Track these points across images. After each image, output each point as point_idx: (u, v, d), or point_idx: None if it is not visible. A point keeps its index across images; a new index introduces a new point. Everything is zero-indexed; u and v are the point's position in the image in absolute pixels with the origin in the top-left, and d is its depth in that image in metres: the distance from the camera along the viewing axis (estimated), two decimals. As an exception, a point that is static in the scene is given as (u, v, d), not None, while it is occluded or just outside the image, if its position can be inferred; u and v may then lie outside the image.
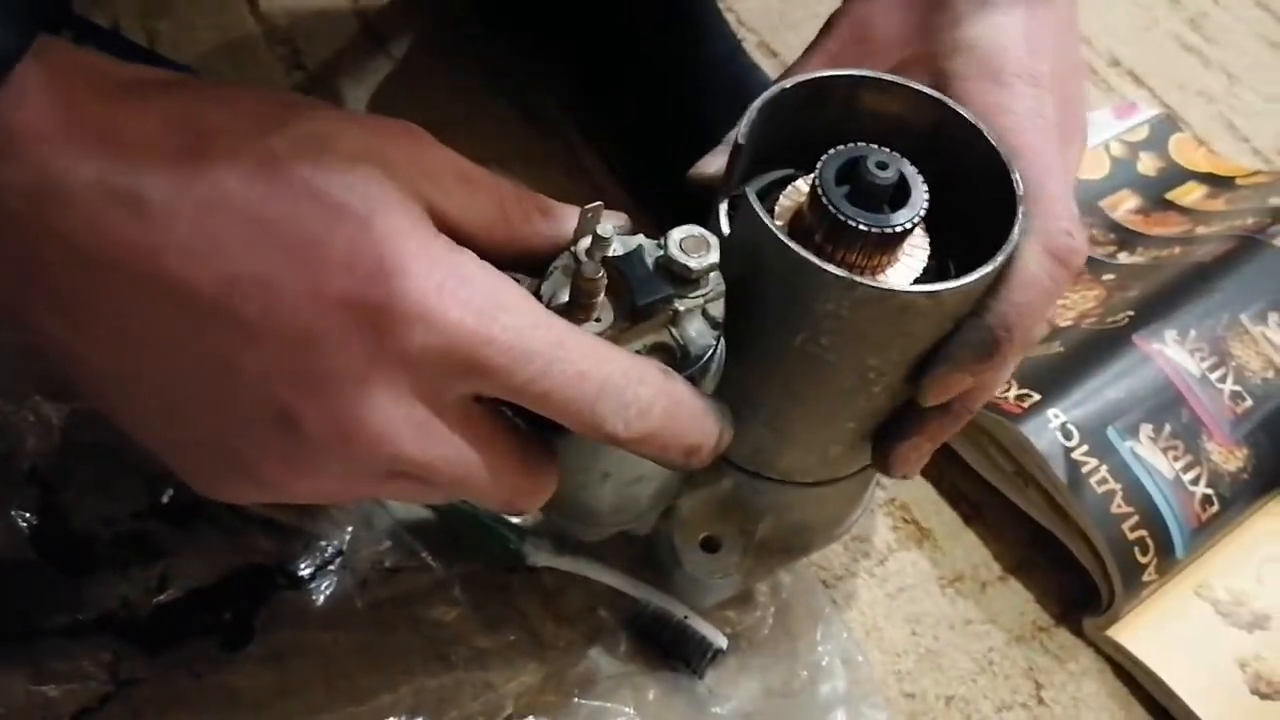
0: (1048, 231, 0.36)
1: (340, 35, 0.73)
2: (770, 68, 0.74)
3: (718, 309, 0.35)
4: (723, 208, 0.37)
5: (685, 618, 0.49)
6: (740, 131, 0.36)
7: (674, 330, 0.35)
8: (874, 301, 0.34)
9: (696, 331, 0.35)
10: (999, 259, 0.35)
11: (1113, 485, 0.54)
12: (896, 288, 0.34)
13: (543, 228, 0.35)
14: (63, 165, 0.28)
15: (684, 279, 0.34)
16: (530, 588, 0.51)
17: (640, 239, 0.35)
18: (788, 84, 0.37)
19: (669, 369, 0.34)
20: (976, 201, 0.37)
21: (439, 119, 0.69)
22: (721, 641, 0.49)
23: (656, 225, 0.66)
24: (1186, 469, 0.56)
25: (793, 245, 0.34)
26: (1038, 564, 0.57)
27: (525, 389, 0.31)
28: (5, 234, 0.28)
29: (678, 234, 0.34)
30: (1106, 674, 0.55)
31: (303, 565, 0.48)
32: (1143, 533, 0.54)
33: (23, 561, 0.45)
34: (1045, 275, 0.36)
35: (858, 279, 0.34)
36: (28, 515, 0.46)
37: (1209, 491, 0.56)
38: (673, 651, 0.49)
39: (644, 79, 0.67)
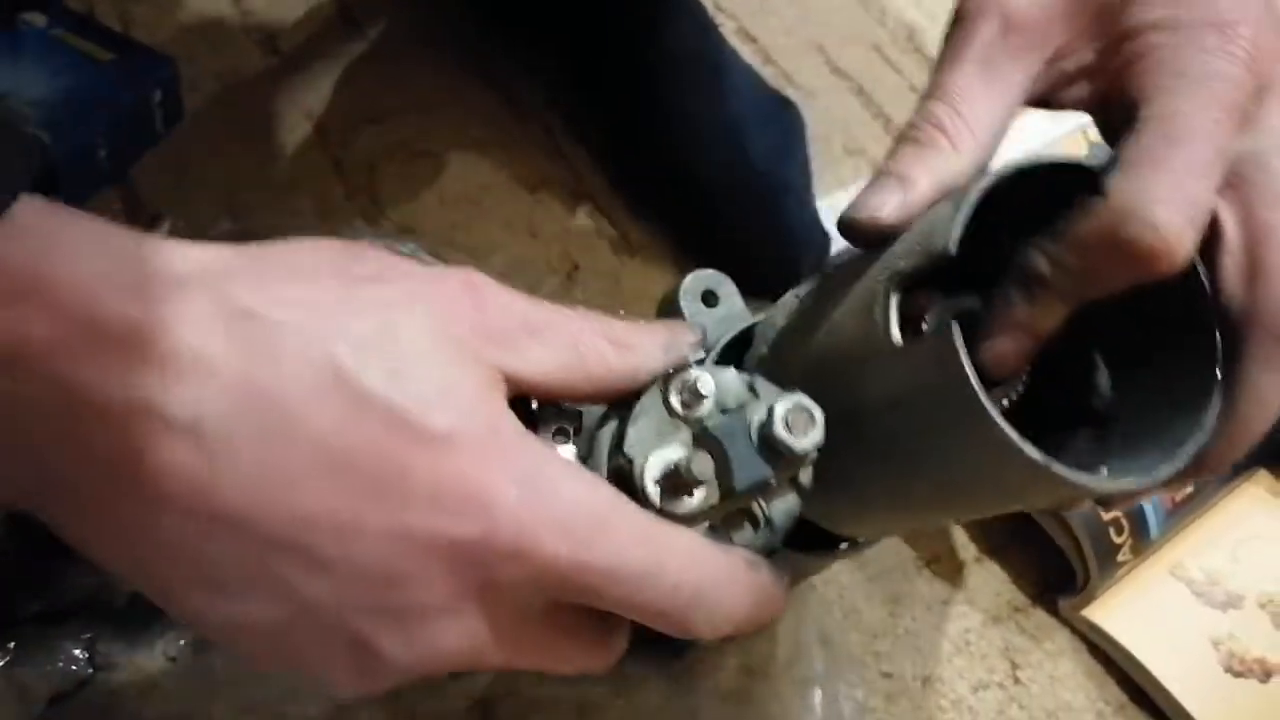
0: None
1: (316, 18, 0.73)
2: (748, 53, 0.74)
3: (808, 476, 0.33)
4: (894, 305, 0.31)
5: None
6: (953, 236, 0.29)
7: (762, 502, 0.33)
8: (1053, 480, 0.29)
9: (784, 504, 0.33)
10: (1180, 461, 0.30)
11: (1088, 466, 0.54)
12: (1089, 483, 0.29)
13: (617, 365, 0.32)
14: (95, 384, 0.25)
15: (786, 458, 0.31)
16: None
17: (730, 377, 0.33)
18: (1012, 169, 0.30)
19: (755, 560, 0.32)
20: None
21: (416, 102, 0.70)
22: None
23: (636, 207, 0.67)
24: (1161, 450, 0.56)
25: (1000, 422, 0.28)
26: (1014, 546, 0.58)
27: (618, 605, 0.30)
28: (28, 450, 0.26)
29: (785, 405, 0.31)
30: (1082, 653, 0.55)
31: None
32: (1117, 513, 0.54)
33: (-2, 547, 0.45)
34: None
35: (1055, 468, 0.28)
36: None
37: (1183, 472, 0.57)
38: (651, 630, 0.50)
39: (618, 65, 0.67)
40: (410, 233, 0.62)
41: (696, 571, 0.30)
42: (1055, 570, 0.56)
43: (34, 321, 0.24)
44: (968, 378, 0.28)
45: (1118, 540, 0.54)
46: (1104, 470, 0.32)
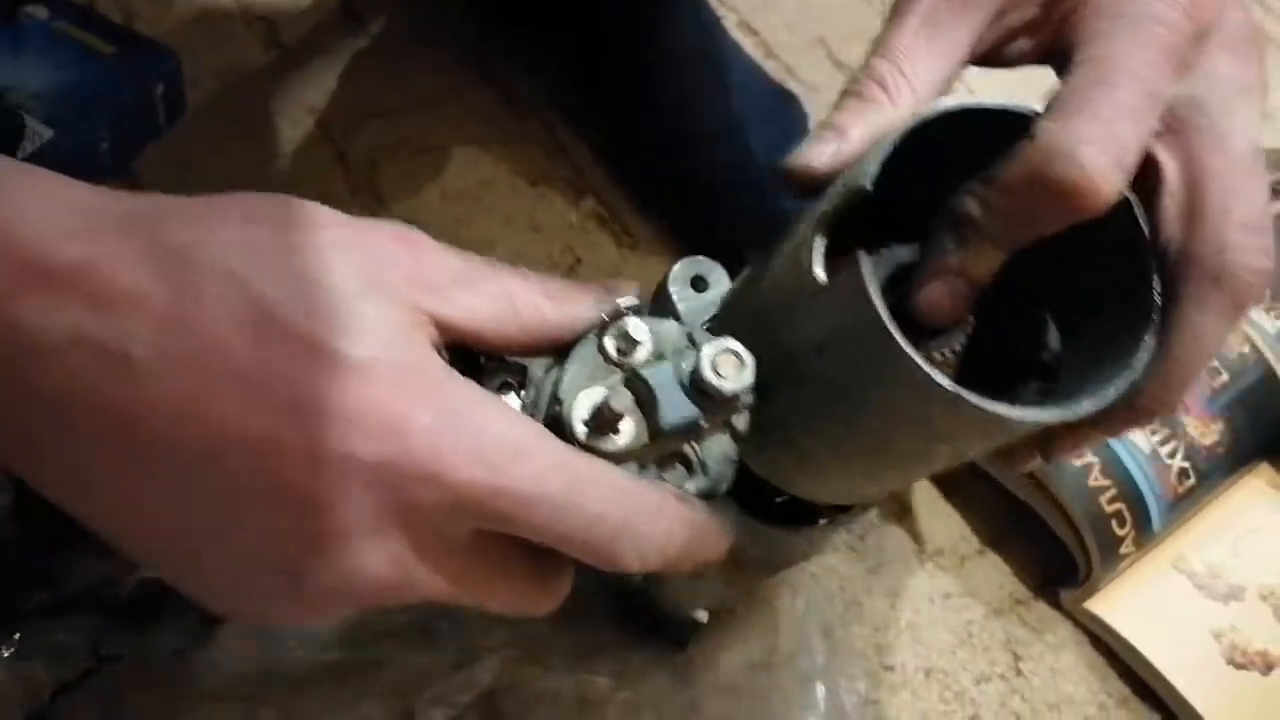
0: (1236, 282, 0.31)
1: (318, 13, 0.73)
2: (750, 47, 0.74)
3: (742, 421, 0.33)
4: (818, 246, 0.31)
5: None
6: (869, 173, 0.30)
7: (695, 446, 0.33)
8: (976, 416, 0.29)
9: (717, 445, 0.33)
10: (1111, 392, 0.30)
11: (1090, 459, 0.55)
12: (1010, 413, 0.29)
13: (551, 315, 0.33)
14: (39, 315, 0.26)
15: (715, 400, 0.32)
16: (512, 563, 0.51)
17: (670, 327, 0.33)
18: (934, 112, 0.31)
19: (685, 495, 0.32)
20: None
21: (417, 99, 0.70)
22: (703, 615, 0.49)
23: (637, 202, 0.67)
24: (1163, 442, 0.57)
25: (906, 347, 0.29)
26: (1016, 538, 0.58)
27: (539, 533, 0.30)
28: None
29: (711, 350, 0.32)
30: (1084, 646, 0.55)
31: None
32: (1120, 506, 0.54)
33: (3, 540, 0.45)
34: (1221, 336, 0.32)
35: (966, 396, 0.29)
36: (7, 492, 0.46)
37: (1185, 465, 0.57)
38: (655, 624, 0.50)
39: (618, 64, 0.67)
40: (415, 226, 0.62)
41: (620, 502, 0.30)
42: (1057, 563, 0.56)
43: None
44: (873, 304, 0.29)
45: (1120, 533, 0.54)
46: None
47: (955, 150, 0.31)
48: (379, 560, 0.29)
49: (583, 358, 0.33)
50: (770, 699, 0.47)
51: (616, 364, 0.33)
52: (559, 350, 0.33)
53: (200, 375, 0.27)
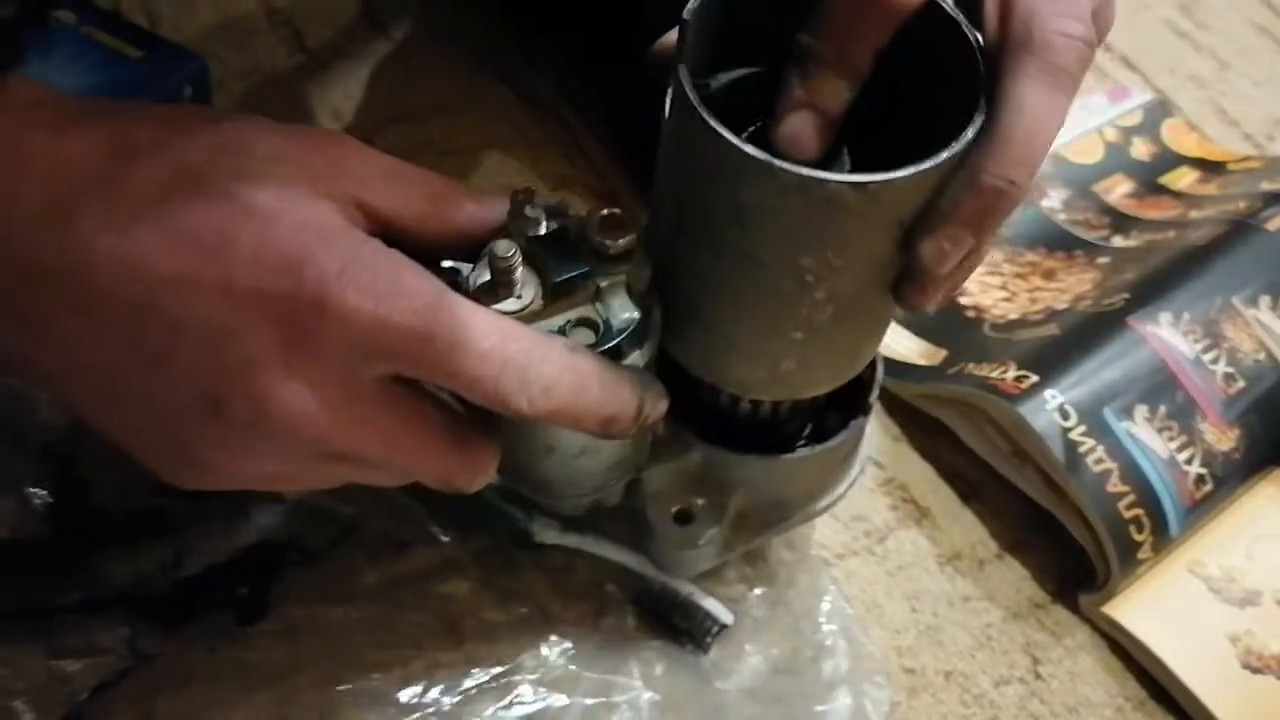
0: (1047, 45, 0.34)
1: (340, 17, 0.73)
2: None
3: (642, 282, 0.36)
4: (670, 90, 0.36)
5: (691, 594, 0.50)
6: (689, 7, 0.35)
7: (598, 305, 0.36)
8: (796, 190, 0.32)
9: (619, 305, 0.36)
10: (943, 155, 0.33)
11: (1109, 464, 0.55)
12: (818, 175, 0.32)
13: (474, 213, 0.36)
14: (14, 195, 0.30)
15: (603, 256, 0.35)
16: (539, 564, 0.51)
17: (572, 215, 0.36)
18: None
19: (576, 345, 0.35)
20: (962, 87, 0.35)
21: (439, 103, 0.70)
22: (727, 618, 0.50)
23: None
24: (1181, 449, 0.57)
25: (711, 121, 0.33)
26: (1035, 542, 0.58)
27: (429, 370, 0.32)
28: None
29: (600, 213, 0.36)
30: (1102, 649, 0.56)
31: (315, 541, 0.48)
32: (1138, 511, 0.55)
33: (39, 539, 0.46)
34: (1046, 103, 0.34)
35: (776, 162, 0.32)
36: (43, 493, 0.46)
37: (1203, 471, 0.57)
38: (679, 627, 0.50)
39: (637, 64, 0.67)
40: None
41: (505, 343, 0.33)
42: (1076, 567, 0.57)
43: None
44: (685, 91, 0.33)
45: (1138, 538, 0.55)
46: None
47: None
48: (290, 391, 0.31)
49: (491, 245, 0.36)
50: (794, 703, 0.48)
51: (516, 239, 0.36)
52: (474, 248, 0.36)
53: (132, 227, 0.31)
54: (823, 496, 0.49)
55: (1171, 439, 0.57)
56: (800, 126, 0.35)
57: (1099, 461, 0.55)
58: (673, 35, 0.37)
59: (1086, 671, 0.55)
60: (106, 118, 0.32)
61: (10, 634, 0.43)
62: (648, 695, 0.48)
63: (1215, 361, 0.60)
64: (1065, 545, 0.57)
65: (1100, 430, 0.56)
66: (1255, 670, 0.55)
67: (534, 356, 0.33)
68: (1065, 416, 0.56)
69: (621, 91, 0.68)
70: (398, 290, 0.32)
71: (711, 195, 0.35)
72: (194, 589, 0.46)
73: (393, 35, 0.73)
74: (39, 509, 0.46)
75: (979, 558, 0.58)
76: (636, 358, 0.37)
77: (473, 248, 0.36)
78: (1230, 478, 0.58)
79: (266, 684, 0.45)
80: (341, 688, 0.46)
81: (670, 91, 0.35)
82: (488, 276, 0.35)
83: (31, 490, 0.46)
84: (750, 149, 0.32)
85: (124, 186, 0.31)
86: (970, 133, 0.33)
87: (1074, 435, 0.55)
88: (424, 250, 0.35)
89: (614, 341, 0.36)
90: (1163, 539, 0.56)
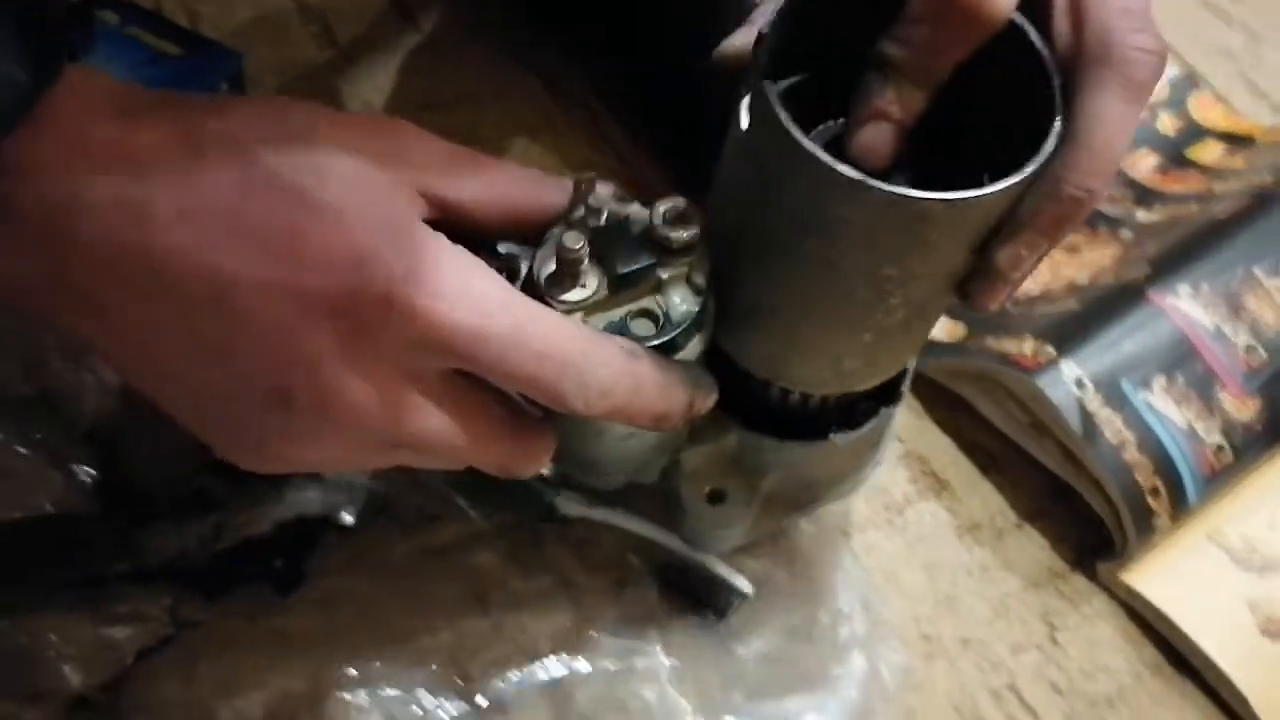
0: (1124, 59, 0.34)
1: (370, 10, 0.75)
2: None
3: (702, 276, 0.37)
4: (745, 102, 0.35)
5: (711, 566, 0.51)
6: (767, 20, 0.35)
7: (658, 297, 0.37)
8: (886, 207, 0.33)
9: (680, 298, 0.37)
10: (1028, 170, 0.33)
11: (1126, 435, 0.56)
12: (910, 193, 0.32)
13: (534, 197, 0.37)
14: (84, 184, 0.31)
15: (667, 249, 0.36)
16: (563, 537, 0.53)
17: (634, 207, 0.37)
18: None
19: (634, 348, 0.35)
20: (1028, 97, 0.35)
21: (468, 92, 0.72)
22: (747, 588, 0.51)
23: (682, 191, 0.69)
24: (1199, 419, 0.58)
25: (805, 142, 0.33)
26: (1053, 513, 0.59)
27: (490, 369, 0.34)
28: (35, 248, 0.32)
29: (663, 205, 0.36)
30: (1120, 617, 0.56)
31: (349, 515, 0.50)
32: (1155, 480, 0.55)
33: (87, 514, 0.48)
34: (1124, 116, 0.34)
35: (870, 182, 0.32)
36: (90, 471, 0.49)
37: (1222, 441, 0.58)
38: (699, 597, 0.52)
39: (669, 51, 0.68)
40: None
41: (564, 344, 0.34)
42: (1094, 537, 0.57)
43: (42, 141, 0.31)
44: (775, 113, 0.33)
45: (1155, 506, 0.55)
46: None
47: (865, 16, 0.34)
48: (355, 385, 0.33)
49: (553, 232, 0.36)
50: (809, 667, 0.49)
51: (578, 228, 0.36)
52: (535, 232, 0.37)
53: (201, 221, 0.31)
54: (851, 479, 0.50)
55: (1190, 409, 0.57)
56: (877, 136, 0.35)
57: (1116, 432, 0.56)
58: (735, 42, 0.38)
59: (1104, 639, 0.56)
60: (173, 109, 0.33)
61: (61, 603, 0.45)
62: (668, 662, 0.49)
63: (1236, 333, 0.60)
64: (1084, 516, 0.58)
65: (1118, 401, 0.56)
66: (1275, 636, 0.56)
67: (593, 360, 0.34)
68: (1082, 388, 0.56)
69: (648, 80, 0.69)
70: (462, 291, 0.33)
71: (794, 206, 0.35)
72: (233, 561, 0.48)
73: (421, 26, 0.75)
74: (86, 485, 0.48)
75: (998, 528, 0.58)
76: (691, 349, 0.38)
77: (531, 231, 0.37)
78: (1250, 448, 0.59)
79: (303, 651, 0.47)
80: (374, 655, 0.48)
81: (747, 102, 0.35)
82: (553, 266, 0.36)
83: (78, 468, 0.49)
84: (847, 169, 0.32)
85: (193, 180, 0.32)
86: (1051, 144, 0.34)
87: (1091, 406, 0.56)
88: (481, 233, 0.36)
89: (672, 335, 0.36)
90: (1180, 508, 0.56)
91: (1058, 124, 0.34)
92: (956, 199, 0.33)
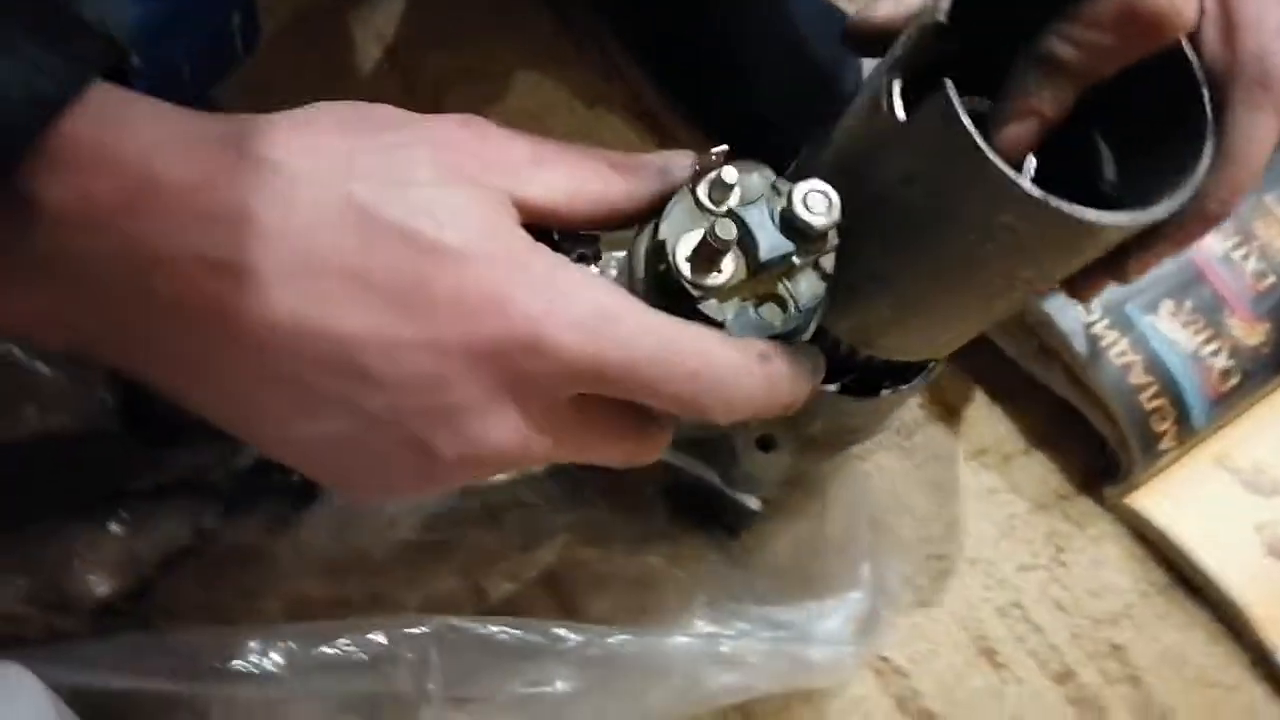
0: (1275, 75, 0.34)
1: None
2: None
3: (829, 262, 0.36)
4: (897, 87, 0.33)
5: (721, 485, 0.52)
6: (943, 7, 0.32)
7: (787, 282, 0.36)
8: (1058, 223, 0.32)
9: (808, 284, 0.35)
10: (1186, 191, 0.33)
11: (1131, 357, 0.56)
12: (1090, 216, 0.31)
13: (619, 184, 0.35)
14: (156, 236, 0.28)
15: (806, 236, 0.34)
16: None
17: (756, 178, 0.35)
18: None
19: (768, 349, 0.34)
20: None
21: (480, 27, 0.72)
22: (755, 504, 0.52)
23: (691, 126, 0.69)
24: (1207, 342, 0.58)
25: (994, 157, 0.31)
26: (1061, 438, 0.60)
27: (635, 393, 0.33)
28: (103, 303, 0.29)
29: (803, 188, 0.34)
30: (1125, 539, 0.57)
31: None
32: (1161, 401, 0.56)
33: (111, 432, 0.49)
34: (1271, 138, 0.35)
35: (1054, 202, 0.31)
36: (112, 394, 0.50)
37: (1230, 364, 0.58)
38: (709, 515, 0.53)
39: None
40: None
41: (708, 361, 0.32)
42: (1100, 462, 0.58)
43: (101, 185, 0.28)
44: (965, 126, 0.31)
45: (1160, 428, 0.56)
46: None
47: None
48: (500, 428, 0.31)
49: (678, 206, 0.35)
50: (817, 578, 0.50)
51: (710, 210, 0.35)
52: (626, 222, 0.36)
53: (313, 281, 0.29)
54: (888, 423, 0.51)
55: (1197, 333, 0.58)
56: (1025, 132, 0.35)
57: (1121, 354, 0.56)
58: (879, 6, 0.36)
59: (1109, 559, 0.56)
60: (243, 141, 0.30)
61: (88, 516, 0.47)
62: (678, 573, 0.50)
63: (1245, 258, 0.60)
64: (1091, 442, 0.58)
65: (1124, 324, 0.57)
66: (1280, 557, 0.56)
67: (733, 374, 0.33)
68: (1089, 312, 0.57)
69: (660, 13, 0.69)
70: (604, 318, 0.31)
71: (953, 206, 0.34)
72: (252, 477, 0.49)
73: (434, -38, 0.75)
74: (108, 406, 0.49)
75: (1005, 452, 0.59)
76: (810, 329, 0.37)
77: (623, 222, 0.36)
78: (1259, 372, 0.59)
79: (319, 565, 0.49)
80: (387, 570, 0.49)
81: (899, 88, 0.34)
82: (687, 240, 0.34)
83: (102, 395, 0.49)
84: (1034, 189, 0.31)
85: (294, 234, 0.29)
86: (1205, 162, 0.34)
87: (1097, 329, 0.56)
88: (567, 228, 0.35)
89: (800, 321, 0.36)
90: (1186, 430, 0.57)
91: (1210, 144, 0.34)
92: (1131, 221, 0.32)
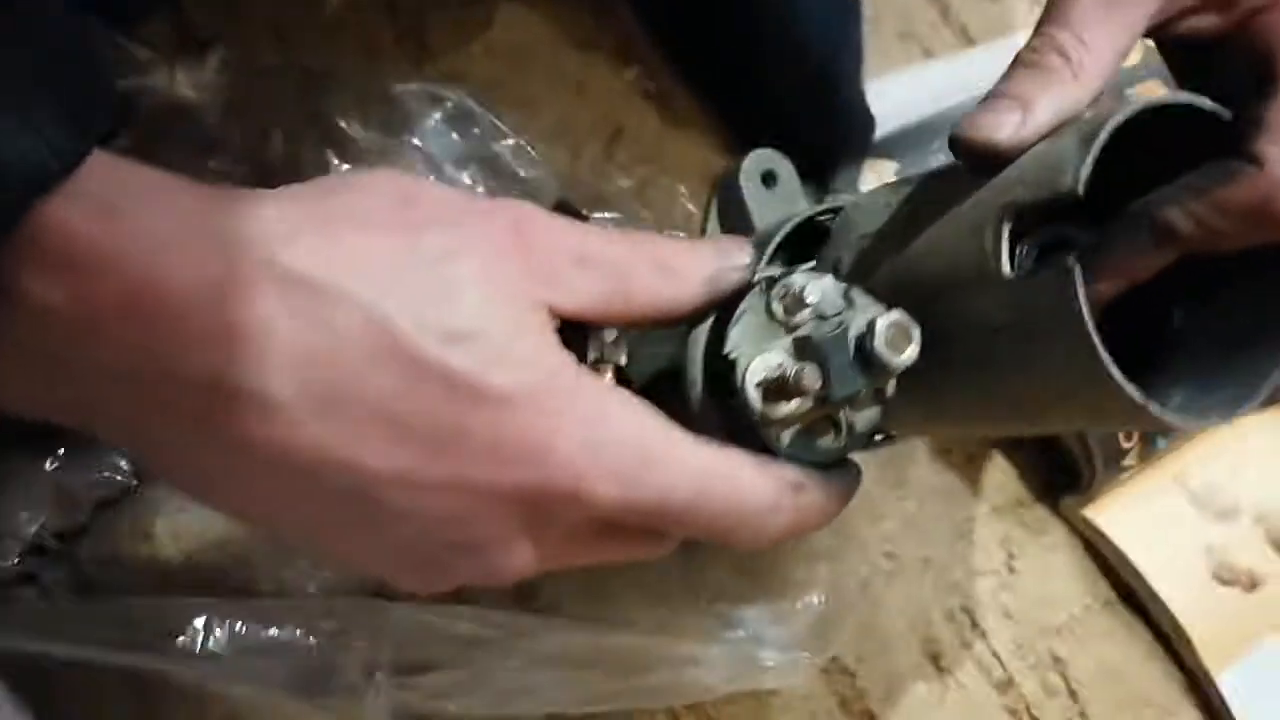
0: None
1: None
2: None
3: (892, 388, 0.34)
4: (1005, 234, 0.31)
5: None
6: (1082, 176, 0.30)
7: (849, 410, 0.34)
8: (1139, 414, 0.31)
9: (867, 414, 0.34)
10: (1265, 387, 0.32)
11: (1106, 372, 0.56)
12: (1168, 419, 0.31)
13: (665, 291, 0.33)
14: (163, 353, 0.26)
15: (881, 372, 0.32)
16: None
17: (829, 286, 0.34)
18: (1143, 105, 0.30)
19: (800, 478, 0.33)
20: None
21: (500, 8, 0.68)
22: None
23: (682, 76, 0.66)
24: (1179, 363, 0.58)
25: (1106, 359, 0.29)
26: (1026, 445, 0.59)
27: (667, 529, 0.33)
28: (109, 410, 0.28)
29: (884, 322, 0.31)
30: (1077, 550, 0.57)
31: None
32: (1129, 420, 0.56)
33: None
34: None
35: (1154, 408, 0.30)
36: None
37: (1197, 385, 0.58)
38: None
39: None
40: (459, 80, 0.62)
41: (740, 499, 0.32)
42: (1062, 470, 0.58)
43: (105, 289, 0.25)
44: (1085, 321, 0.29)
45: (1125, 445, 0.56)
46: (1176, 398, 0.34)
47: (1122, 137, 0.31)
48: (522, 557, 0.31)
49: (749, 314, 0.33)
50: (775, 578, 0.49)
51: (782, 323, 0.33)
52: (671, 325, 0.34)
53: (339, 416, 0.27)
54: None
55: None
56: (1113, 290, 0.33)
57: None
58: (999, 124, 0.32)
59: (1059, 569, 0.56)
60: (263, 247, 0.27)
61: (20, 454, 0.44)
62: (637, 570, 0.48)
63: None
64: (1053, 449, 0.58)
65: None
66: (1225, 582, 0.57)
67: (764, 511, 0.33)
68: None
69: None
70: (645, 463, 0.30)
71: (1039, 370, 0.32)
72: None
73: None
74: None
75: (969, 453, 0.58)
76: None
77: (666, 321, 0.34)
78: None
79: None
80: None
81: (1000, 244, 0.31)
82: (761, 378, 0.33)
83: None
84: (1136, 393, 0.30)
85: (321, 359, 0.27)
86: None
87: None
88: (610, 326, 0.35)
89: (851, 446, 0.34)
90: (1150, 448, 0.57)
91: None
92: (1202, 425, 0.32)
